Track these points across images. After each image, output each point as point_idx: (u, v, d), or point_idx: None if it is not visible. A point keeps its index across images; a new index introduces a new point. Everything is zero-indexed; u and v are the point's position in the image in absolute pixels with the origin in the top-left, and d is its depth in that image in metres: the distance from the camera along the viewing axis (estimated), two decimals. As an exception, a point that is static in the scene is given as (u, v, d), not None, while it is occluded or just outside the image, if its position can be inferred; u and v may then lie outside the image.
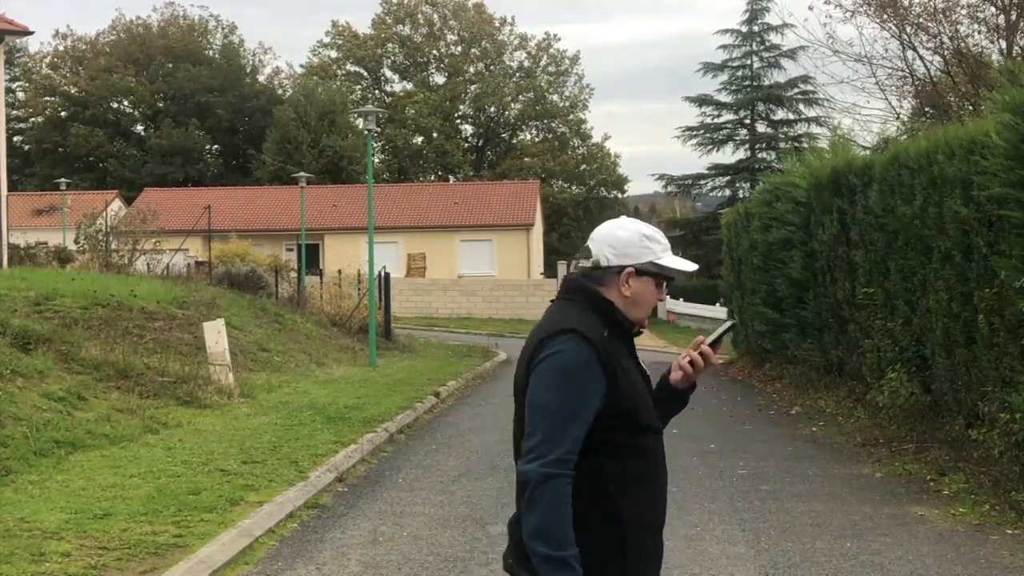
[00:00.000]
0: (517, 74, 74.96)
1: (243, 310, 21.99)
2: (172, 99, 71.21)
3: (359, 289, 29.39)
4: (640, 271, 3.19)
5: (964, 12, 23.49)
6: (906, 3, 23.96)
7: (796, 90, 60.62)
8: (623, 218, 3.34)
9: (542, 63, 74.93)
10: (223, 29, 75.29)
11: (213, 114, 69.28)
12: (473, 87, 73.70)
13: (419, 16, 75.15)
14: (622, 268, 3.19)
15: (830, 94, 74.93)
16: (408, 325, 34.92)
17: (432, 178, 71.90)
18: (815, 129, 56.94)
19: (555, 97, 74.57)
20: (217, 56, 72.86)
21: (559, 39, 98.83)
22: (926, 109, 24.61)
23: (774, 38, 60.57)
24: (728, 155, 63.44)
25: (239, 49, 75.13)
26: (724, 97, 62.88)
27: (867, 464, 10.94)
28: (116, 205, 52.74)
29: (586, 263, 3.26)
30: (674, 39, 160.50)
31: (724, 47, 62.37)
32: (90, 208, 38.67)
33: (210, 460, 10.25)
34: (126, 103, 72.54)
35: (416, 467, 11.02)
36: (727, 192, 62.10)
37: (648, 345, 31.13)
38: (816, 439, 12.74)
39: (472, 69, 74.78)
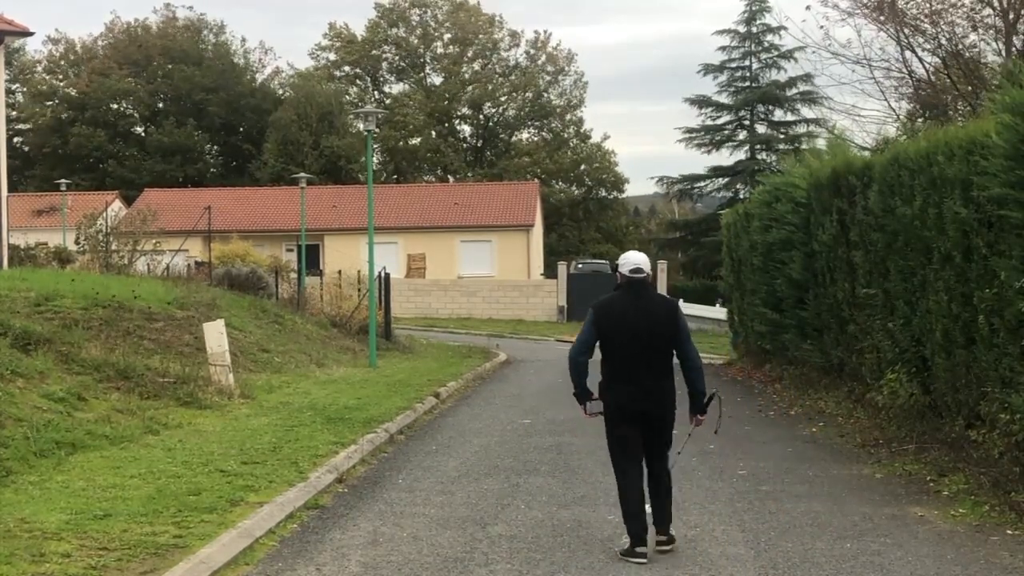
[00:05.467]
0: (514, 73, 74.94)
1: (243, 311, 21.99)
2: (171, 100, 71.28)
3: (359, 290, 29.39)
4: None
5: (961, 13, 23.52)
6: (902, 3, 23.99)
7: (795, 91, 60.67)
8: (638, 252, 7.97)
9: (539, 62, 74.92)
10: (213, 29, 75.39)
11: (208, 113, 69.31)
12: (470, 87, 73.69)
13: (412, 18, 75.17)
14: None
15: (829, 95, 75.03)
16: (408, 326, 34.92)
17: (430, 178, 71.91)
18: (814, 130, 57.04)
19: (552, 96, 74.54)
20: (209, 55, 72.78)
21: (550, 35, 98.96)
22: (924, 110, 24.62)
23: (772, 39, 60.67)
24: (727, 156, 63.54)
25: (229, 48, 75.17)
26: (723, 98, 62.95)
27: (867, 465, 10.94)
28: (116, 206, 52.74)
29: (643, 274, 7.61)
30: (672, 40, 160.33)
31: (723, 48, 62.44)
32: (90, 209, 38.65)
33: (210, 461, 10.26)
34: (125, 104, 72.60)
35: (416, 468, 11.02)
36: (727, 193, 62.12)
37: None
38: (816, 440, 12.74)
39: (468, 69, 74.76)
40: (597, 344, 7.62)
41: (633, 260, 7.66)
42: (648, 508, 7.54)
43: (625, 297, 7.57)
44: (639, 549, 7.41)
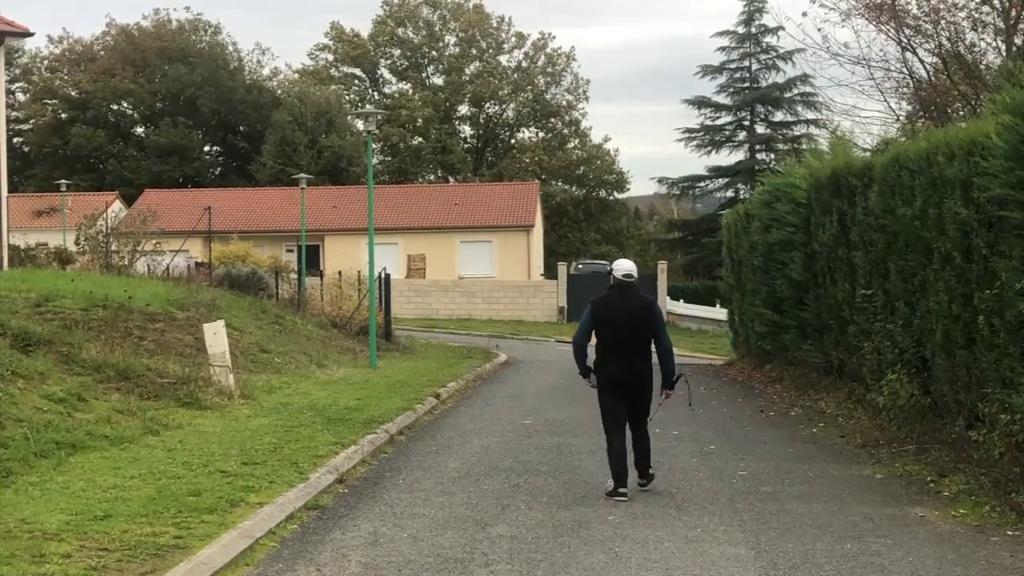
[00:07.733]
0: (516, 74, 74.92)
1: (243, 311, 21.99)
2: (168, 99, 71.29)
3: (359, 290, 29.39)
4: None
5: (962, 14, 23.51)
6: (902, 2, 23.98)
7: (794, 92, 60.67)
8: (628, 260, 10.06)
9: (539, 63, 74.91)
10: (209, 30, 75.42)
11: (202, 111, 69.32)
12: (472, 87, 73.68)
13: (419, 18, 75.19)
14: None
15: (829, 96, 75.12)
16: (408, 326, 34.92)
17: (432, 178, 71.87)
18: (814, 131, 57.11)
19: (553, 95, 74.51)
20: (202, 48, 72.77)
21: (554, 37, 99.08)
22: (924, 111, 24.61)
23: (771, 40, 60.68)
24: (727, 157, 63.54)
25: (223, 46, 75.19)
26: (723, 99, 62.97)
27: (867, 465, 10.94)
28: (117, 206, 52.77)
29: (632, 279, 9.72)
30: (672, 42, 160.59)
31: (722, 49, 62.46)
32: (90, 209, 38.70)
33: (210, 461, 10.26)
34: (125, 104, 72.60)
35: (416, 468, 11.02)
36: (727, 193, 62.17)
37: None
38: (816, 440, 12.75)
39: (470, 69, 74.75)
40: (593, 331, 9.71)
41: (626, 267, 9.82)
42: (631, 462, 9.58)
43: (616, 295, 9.72)
44: (621, 490, 9.39)
